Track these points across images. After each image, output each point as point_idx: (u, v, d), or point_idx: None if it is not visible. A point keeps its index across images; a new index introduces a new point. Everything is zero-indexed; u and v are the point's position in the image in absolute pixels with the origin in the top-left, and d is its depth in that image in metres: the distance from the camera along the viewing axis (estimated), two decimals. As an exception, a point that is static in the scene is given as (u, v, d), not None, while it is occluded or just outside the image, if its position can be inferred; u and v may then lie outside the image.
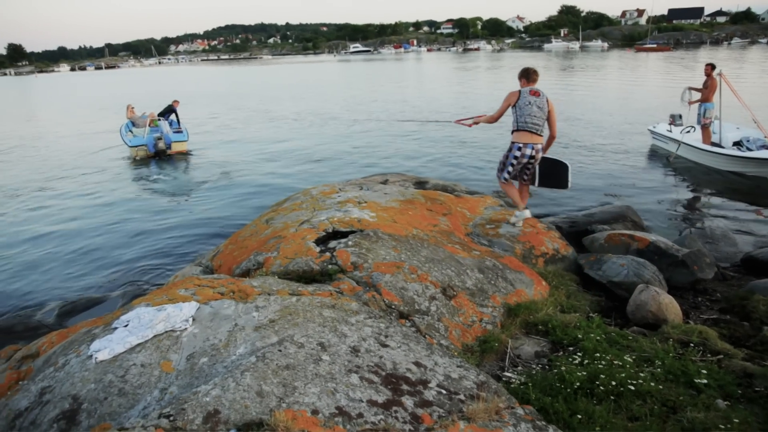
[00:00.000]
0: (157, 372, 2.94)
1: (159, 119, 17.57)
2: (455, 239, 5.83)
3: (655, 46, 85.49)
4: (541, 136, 6.04)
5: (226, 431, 2.37)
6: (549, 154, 6.54)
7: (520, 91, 5.97)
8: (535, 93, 5.93)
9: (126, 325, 3.42)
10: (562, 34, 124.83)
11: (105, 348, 3.19)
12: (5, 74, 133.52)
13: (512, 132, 6.08)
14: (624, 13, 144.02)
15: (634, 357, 3.76)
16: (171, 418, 2.41)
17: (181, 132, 17.55)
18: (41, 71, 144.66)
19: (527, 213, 6.43)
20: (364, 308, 3.71)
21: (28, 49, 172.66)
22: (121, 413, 2.73)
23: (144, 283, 7.53)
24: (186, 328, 3.27)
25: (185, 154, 16.83)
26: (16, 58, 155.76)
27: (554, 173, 6.69)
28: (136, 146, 16.49)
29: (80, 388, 2.91)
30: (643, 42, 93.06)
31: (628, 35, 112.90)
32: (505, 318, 4.56)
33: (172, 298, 3.67)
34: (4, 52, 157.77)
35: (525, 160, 6.06)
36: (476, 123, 6.70)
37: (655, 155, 13.77)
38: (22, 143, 21.61)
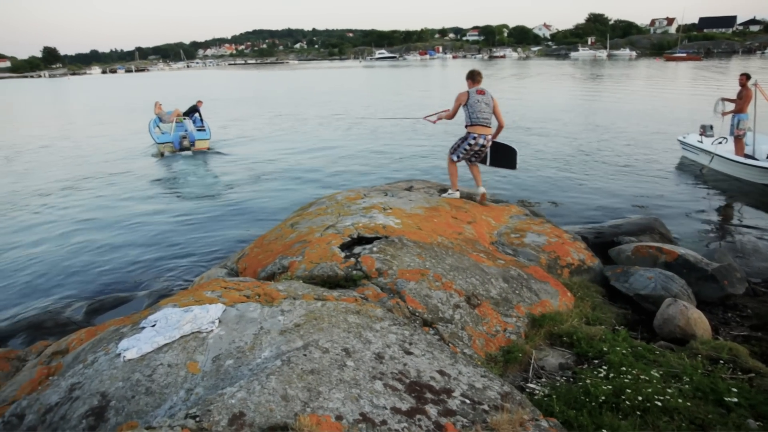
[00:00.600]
0: (183, 372, 2.98)
1: (184, 118, 18.97)
2: (480, 248, 5.80)
3: (684, 55, 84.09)
4: (490, 127, 7.09)
5: (250, 434, 2.39)
6: (502, 140, 7.65)
7: (468, 92, 6.95)
8: (481, 92, 6.97)
9: (153, 325, 3.47)
10: (589, 43, 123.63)
11: (133, 347, 3.24)
12: (40, 76, 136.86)
13: (466, 126, 7.08)
14: (653, 22, 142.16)
15: (661, 372, 3.69)
16: (197, 419, 2.43)
17: (204, 130, 18.74)
18: (74, 74, 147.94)
19: (482, 189, 7.48)
20: (388, 315, 3.71)
21: (62, 52, 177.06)
22: (147, 412, 2.77)
23: (169, 284, 7.63)
24: (212, 330, 3.30)
25: (207, 151, 17.92)
26: (50, 60, 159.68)
27: (505, 156, 7.70)
28: (164, 143, 17.84)
29: (109, 386, 2.96)
30: (672, 51, 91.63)
31: (656, 44, 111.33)
32: (529, 328, 4.52)
33: (198, 300, 3.72)
34: (39, 54, 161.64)
35: (477, 148, 7.12)
36: (439, 119, 7.76)
37: (685, 166, 13.54)
38: (53, 143, 22.14)
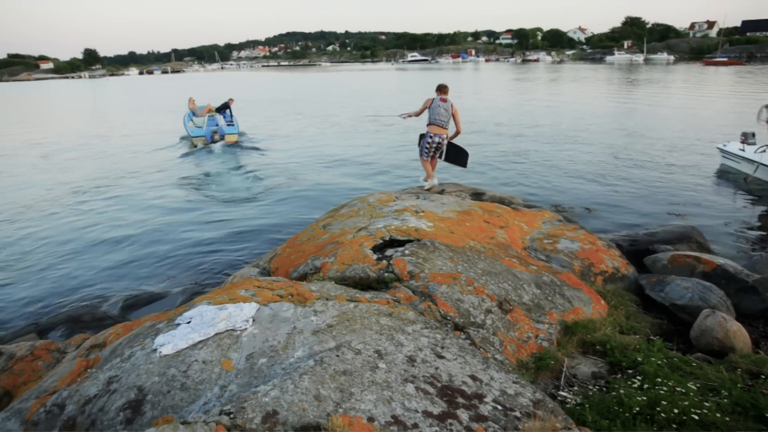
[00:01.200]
0: (217, 369, 3.02)
1: (215, 113, 21.10)
2: (512, 253, 5.75)
3: (725, 59, 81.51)
4: (446, 129, 8.37)
5: (283, 432, 2.41)
6: (460, 143, 8.83)
7: (433, 99, 8.31)
8: (444, 100, 8.28)
9: (189, 322, 3.53)
10: (625, 46, 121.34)
11: (169, 343, 3.30)
12: (80, 77, 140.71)
13: (427, 125, 8.36)
14: (693, 25, 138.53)
15: (698, 385, 3.60)
16: (231, 416, 2.47)
17: (233, 125, 20.67)
18: (112, 74, 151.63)
19: (435, 180, 8.78)
20: (420, 318, 3.71)
21: (102, 53, 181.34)
22: (182, 407, 2.82)
23: (201, 281, 7.76)
24: (246, 328, 3.35)
25: (236, 144, 19.60)
26: (90, 62, 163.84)
27: (459, 156, 8.91)
28: (197, 136, 19.78)
29: (145, 380, 3.02)
30: (712, 55, 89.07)
31: (696, 48, 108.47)
32: (562, 336, 4.46)
33: (232, 298, 3.77)
34: (80, 56, 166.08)
35: (435, 145, 8.40)
36: (409, 116, 8.96)
37: (724, 174, 13.18)
38: (90, 141, 22.83)
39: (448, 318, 4.07)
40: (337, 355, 3.01)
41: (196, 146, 19.23)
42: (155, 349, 3.29)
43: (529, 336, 4.28)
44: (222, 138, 19.60)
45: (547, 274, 5.21)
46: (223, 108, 21.38)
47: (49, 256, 9.03)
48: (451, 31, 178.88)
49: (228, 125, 20.51)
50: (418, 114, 8.69)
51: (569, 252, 6.06)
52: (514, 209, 7.58)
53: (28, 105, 52.24)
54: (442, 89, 8.41)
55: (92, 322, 6.37)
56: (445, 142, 8.44)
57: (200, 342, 3.26)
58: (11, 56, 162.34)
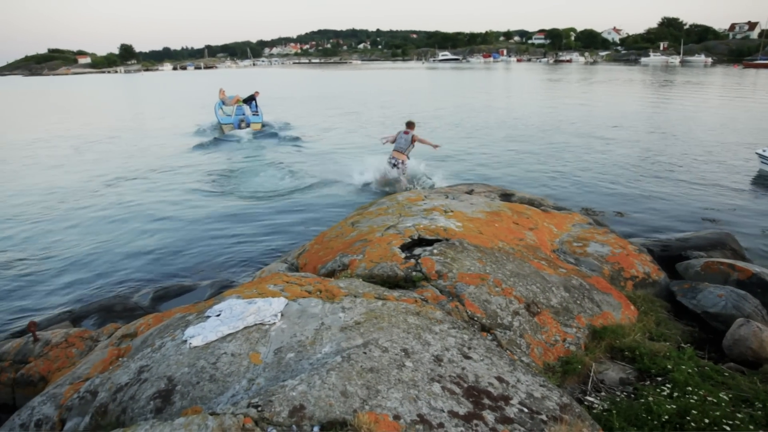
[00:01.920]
0: (246, 362, 3.06)
1: (242, 104, 23.75)
2: (541, 255, 5.69)
3: (767, 62, 79.13)
4: (404, 154, 11.85)
5: (310, 427, 2.43)
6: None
7: (399, 132, 12.03)
8: (407, 132, 11.92)
9: (218, 315, 3.59)
10: (661, 48, 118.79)
11: (198, 335, 3.36)
12: (116, 72, 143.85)
13: (392, 150, 12.00)
14: (733, 26, 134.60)
15: (730, 395, 3.51)
16: (259, 408, 2.50)
17: (258, 115, 23.58)
18: (147, 69, 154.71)
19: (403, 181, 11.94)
20: (448, 318, 3.70)
21: (137, 49, 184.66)
22: (211, 398, 2.87)
23: (230, 274, 7.86)
24: (275, 323, 3.38)
25: (260, 130, 22.32)
26: (126, 57, 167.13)
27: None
28: (226, 123, 22.56)
29: (175, 371, 3.08)
30: (753, 57, 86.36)
31: (735, 50, 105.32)
32: (590, 340, 4.40)
33: (261, 293, 3.81)
34: (117, 51, 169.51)
35: (393, 162, 11.89)
36: (386, 141, 12.49)
37: (763, 180, 12.83)
38: (122, 134, 23.42)
39: (475, 318, 4.05)
40: (365, 352, 3.02)
41: (224, 132, 22.00)
42: (185, 341, 3.35)
43: (557, 339, 4.23)
44: (248, 125, 22.32)
45: (576, 277, 5.14)
46: (250, 99, 24.08)
47: (83, 246, 9.26)
48: (483, 31, 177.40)
49: (253, 114, 23.32)
50: (391, 141, 12.18)
51: (599, 256, 5.96)
52: (543, 211, 7.49)
53: (66, 97, 53.59)
54: (409, 125, 12.07)
55: (123, 312, 6.51)
56: (403, 163, 11.86)
57: (229, 335, 3.31)
58: (51, 51, 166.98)
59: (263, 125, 23.02)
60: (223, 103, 24.76)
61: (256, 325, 3.37)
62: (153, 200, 12.22)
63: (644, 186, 12.40)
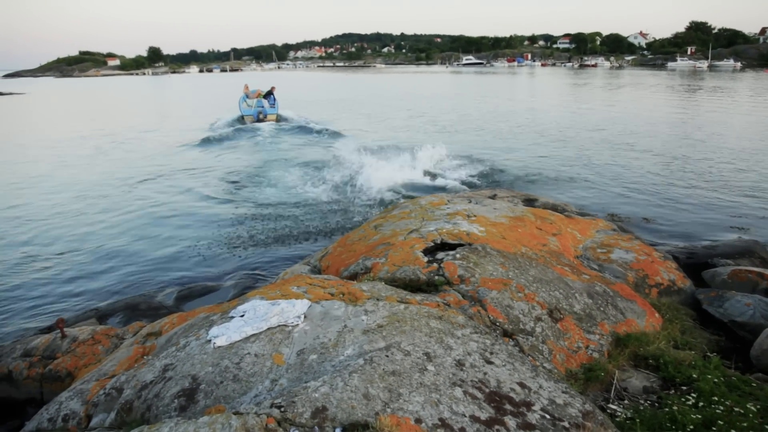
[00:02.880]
0: (269, 363, 3.08)
1: (263, 98, 27.40)
2: (564, 261, 5.63)
3: (798, 67, 77.23)
4: None
5: (332, 429, 2.44)
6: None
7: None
8: None
9: (242, 315, 3.62)
10: (688, 52, 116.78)
11: (222, 335, 3.39)
12: (144, 74, 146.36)
13: None
14: (764, 30, 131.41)
15: (758, 407, 3.44)
16: (282, 409, 2.51)
17: (274, 108, 27.27)
18: (174, 72, 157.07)
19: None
20: (470, 322, 3.68)
21: (165, 51, 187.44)
22: (234, 398, 2.89)
23: (253, 276, 7.92)
24: (298, 324, 3.40)
25: (276, 121, 26.18)
26: (154, 59, 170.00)
27: None
28: (247, 115, 26.50)
29: (199, 370, 3.11)
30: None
31: (766, 54, 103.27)
32: (613, 348, 4.34)
33: (285, 294, 3.84)
34: (145, 54, 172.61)
35: None
36: None
37: (794, 188, 12.51)
38: (147, 135, 23.84)
39: (498, 324, 4.02)
40: (387, 356, 3.02)
41: (245, 122, 25.94)
42: (209, 340, 3.38)
43: (580, 346, 4.18)
44: (265, 117, 26.27)
45: (600, 284, 5.08)
46: (268, 94, 28.03)
47: (109, 246, 9.43)
48: (508, 35, 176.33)
49: (270, 107, 27.06)
50: None
51: (623, 262, 5.88)
52: (567, 217, 7.42)
53: (96, 98, 54.67)
54: None
55: (148, 311, 6.61)
56: None
57: (253, 335, 3.33)
58: (82, 53, 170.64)
59: (278, 118, 26.77)
60: (247, 96, 28.30)
61: (279, 326, 3.39)
62: (178, 201, 12.40)
63: (671, 192, 12.20)
